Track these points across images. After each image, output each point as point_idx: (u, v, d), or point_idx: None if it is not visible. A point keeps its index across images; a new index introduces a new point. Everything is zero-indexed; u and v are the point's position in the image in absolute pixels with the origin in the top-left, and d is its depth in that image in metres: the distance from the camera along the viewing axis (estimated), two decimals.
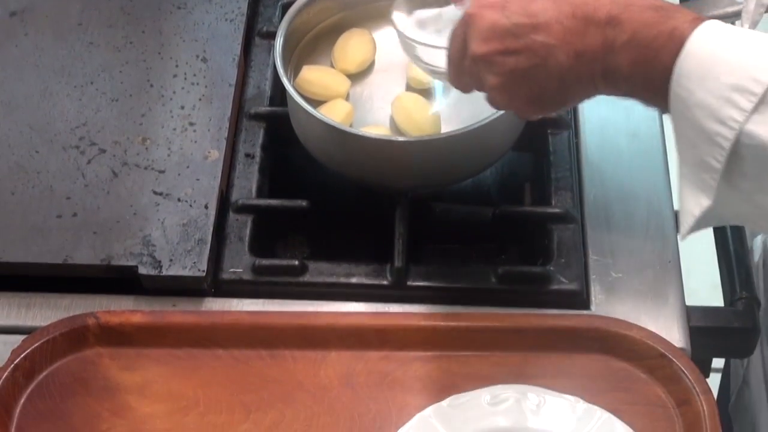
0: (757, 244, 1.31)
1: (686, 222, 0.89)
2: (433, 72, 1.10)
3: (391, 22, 1.11)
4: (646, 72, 0.89)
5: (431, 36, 1.08)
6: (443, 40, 1.02)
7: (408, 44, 1.10)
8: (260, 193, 1.20)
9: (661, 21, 0.87)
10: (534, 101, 0.96)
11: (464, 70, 0.99)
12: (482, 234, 1.24)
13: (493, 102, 1.00)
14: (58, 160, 1.19)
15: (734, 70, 0.83)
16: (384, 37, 1.26)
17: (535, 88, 0.94)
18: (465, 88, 1.02)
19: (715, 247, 1.20)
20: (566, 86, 0.93)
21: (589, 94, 0.95)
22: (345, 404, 1.04)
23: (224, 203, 1.18)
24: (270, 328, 1.08)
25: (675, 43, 0.86)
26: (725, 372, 1.39)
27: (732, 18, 1.13)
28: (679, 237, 1.06)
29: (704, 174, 0.86)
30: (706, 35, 0.86)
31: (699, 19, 0.87)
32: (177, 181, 1.17)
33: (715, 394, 1.37)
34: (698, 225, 0.89)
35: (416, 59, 1.11)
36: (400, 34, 1.10)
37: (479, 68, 0.96)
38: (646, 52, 0.88)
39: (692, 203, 0.88)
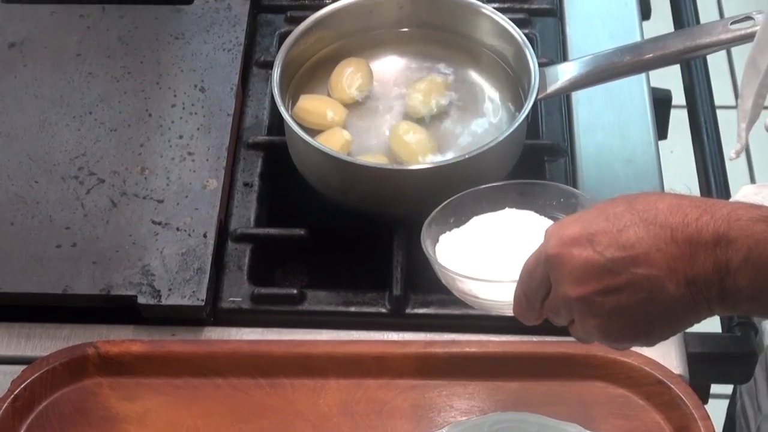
0: None
1: None
2: (481, 304, 1.00)
3: (426, 254, 1.01)
4: None
5: (471, 263, 1.00)
6: (490, 272, 0.97)
7: (447, 275, 1.00)
8: (259, 222, 1.21)
9: None
10: (639, 335, 0.87)
11: (541, 308, 0.90)
12: None
13: (585, 339, 0.90)
14: (57, 190, 1.20)
15: None
16: (380, 65, 1.27)
17: (642, 323, 0.85)
18: (533, 322, 0.93)
19: None
20: (678, 316, 0.85)
21: (701, 319, 0.86)
22: None
23: (223, 232, 1.18)
24: (269, 356, 1.08)
25: None
26: (732, 401, 1.38)
27: (724, 45, 1.14)
28: None
29: None
30: None
31: None
32: (176, 210, 1.18)
33: (722, 421, 1.37)
34: None
35: (460, 293, 1.01)
36: (437, 265, 1.01)
37: (573, 310, 0.87)
38: (767, 271, 0.81)
39: None
